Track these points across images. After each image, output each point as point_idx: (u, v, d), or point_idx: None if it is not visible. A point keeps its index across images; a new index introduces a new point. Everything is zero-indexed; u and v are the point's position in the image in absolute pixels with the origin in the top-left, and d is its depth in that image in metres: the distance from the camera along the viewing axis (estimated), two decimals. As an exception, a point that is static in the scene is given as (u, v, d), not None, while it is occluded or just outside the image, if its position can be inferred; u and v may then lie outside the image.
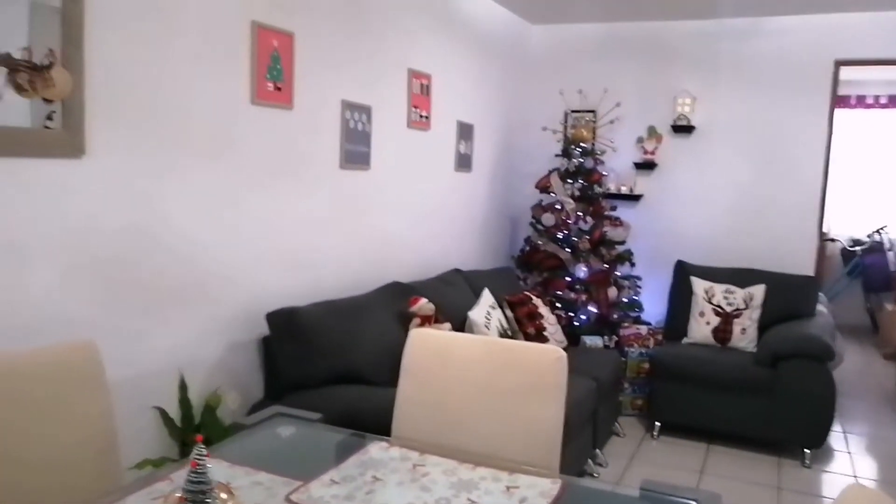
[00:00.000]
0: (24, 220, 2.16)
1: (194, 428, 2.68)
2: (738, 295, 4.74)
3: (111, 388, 1.86)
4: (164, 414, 2.63)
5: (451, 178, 4.76)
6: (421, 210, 4.38)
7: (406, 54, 4.08)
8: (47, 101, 2.16)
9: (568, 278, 5.02)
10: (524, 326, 4.15)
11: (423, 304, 3.37)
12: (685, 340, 4.80)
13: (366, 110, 3.72)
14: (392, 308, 3.40)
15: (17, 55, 2.08)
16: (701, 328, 4.73)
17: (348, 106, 3.58)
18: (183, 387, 2.68)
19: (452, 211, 4.81)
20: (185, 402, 2.68)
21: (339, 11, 3.47)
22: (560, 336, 4.40)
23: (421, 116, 4.27)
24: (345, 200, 3.63)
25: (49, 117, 2.19)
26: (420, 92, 4.23)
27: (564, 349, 4.30)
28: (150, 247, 2.57)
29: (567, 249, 5.06)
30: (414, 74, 4.15)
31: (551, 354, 2.00)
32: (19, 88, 2.08)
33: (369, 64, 3.74)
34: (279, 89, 3.10)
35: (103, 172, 2.37)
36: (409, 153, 4.19)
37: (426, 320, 3.35)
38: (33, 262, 2.19)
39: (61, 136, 2.21)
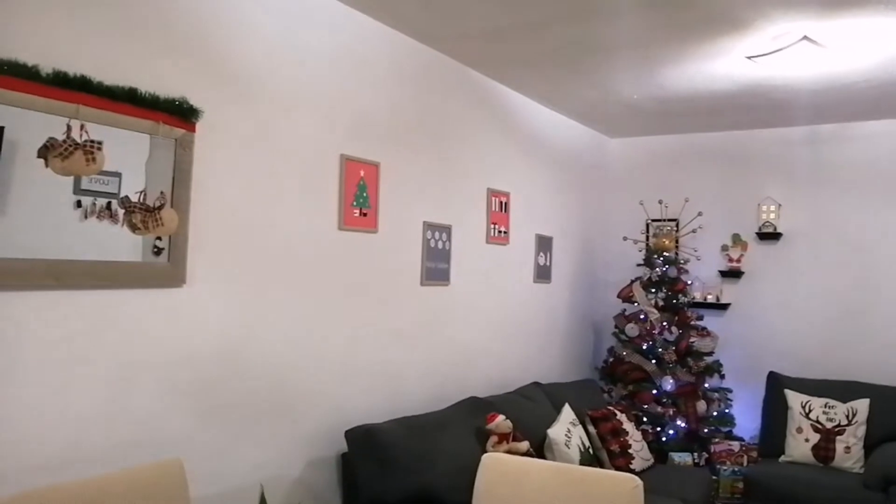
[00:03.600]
0: (131, 345, 2.36)
1: (275, 545, 2.73)
2: (840, 409, 4.48)
3: (197, 508, 1.95)
4: (246, 530, 2.70)
5: (531, 289, 4.82)
6: (500, 323, 4.44)
7: (485, 175, 4.27)
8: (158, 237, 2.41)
9: (654, 391, 4.89)
10: (608, 443, 4.04)
11: (501, 422, 3.37)
12: (783, 458, 4.53)
13: (446, 229, 3.89)
14: (470, 424, 3.41)
15: (134, 198, 2.35)
16: (800, 445, 4.47)
17: (429, 226, 3.75)
18: (263, 503, 2.76)
19: (532, 323, 4.84)
20: (266, 518, 2.75)
21: (421, 140, 3.71)
22: (646, 453, 4.25)
23: (500, 232, 4.40)
24: (425, 316, 3.75)
25: (157, 252, 2.43)
26: (499, 209, 4.39)
27: (650, 467, 4.19)
28: (240, 368, 2.74)
29: (652, 361, 4.96)
30: (493, 193, 4.32)
31: (627, 484, 1.98)
32: (133, 227, 2.33)
33: (449, 186, 3.94)
34: (365, 215, 3.31)
35: (201, 300, 2.58)
36: (488, 267, 4.31)
37: (503, 438, 3.34)
38: (137, 384, 2.38)
39: (166, 268, 2.45)
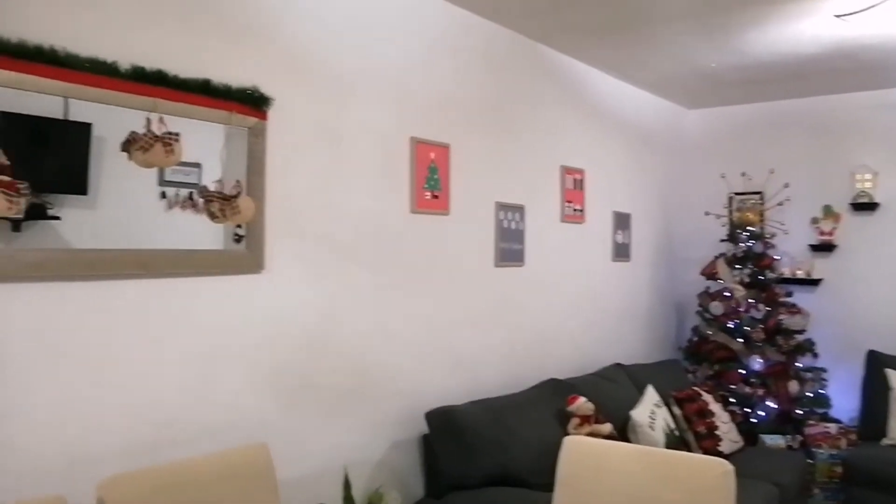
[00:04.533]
0: (215, 330, 2.42)
1: (359, 526, 2.76)
2: (947, 390, 4.18)
3: (280, 487, 1.99)
4: (331, 511, 2.74)
5: (609, 268, 4.70)
6: (578, 303, 4.35)
7: (558, 152, 4.17)
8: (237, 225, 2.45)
9: (742, 371, 4.70)
10: (694, 425, 3.91)
11: (582, 404, 3.30)
12: (885, 441, 4.28)
13: (519, 209, 3.82)
14: (550, 406, 3.36)
15: (212, 188, 2.39)
16: (904, 428, 4.21)
17: (502, 207, 3.70)
18: (347, 485, 2.80)
19: (611, 302, 4.72)
20: (348, 500, 2.78)
21: (491, 119, 3.65)
22: (734, 435, 4.09)
23: (575, 210, 4.31)
24: (500, 297, 3.70)
25: (237, 240, 2.48)
26: (573, 186, 4.29)
27: (740, 449, 4.03)
28: (320, 351, 2.77)
29: (739, 340, 4.76)
30: (566, 171, 4.22)
31: (717, 468, 1.89)
32: (212, 216, 2.38)
33: (521, 165, 3.87)
34: (436, 197, 3.29)
35: (278, 285, 2.62)
36: (564, 247, 4.22)
37: (585, 420, 3.28)
38: (221, 368, 2.44)
39: (245, 254, 2.49)
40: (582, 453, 2.05)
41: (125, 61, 2.14)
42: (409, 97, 3.18)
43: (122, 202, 2.19)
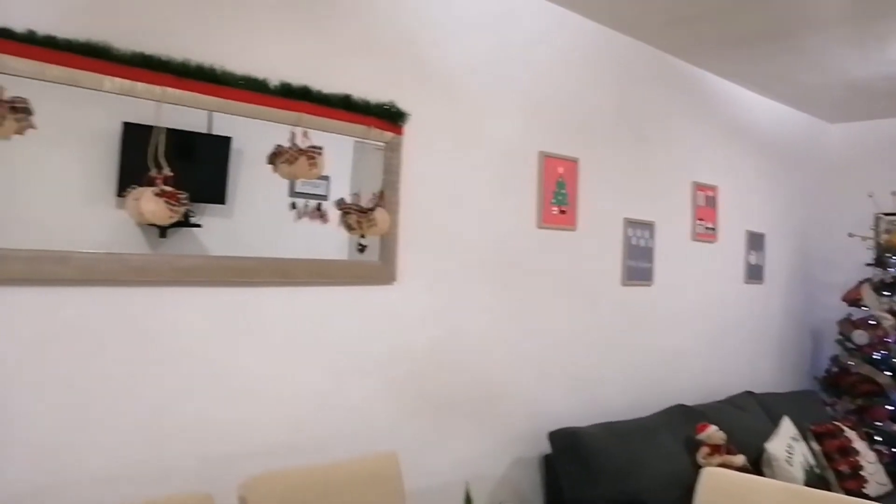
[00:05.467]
0: (348, 339, 2.48)
1: (479, 543, 2.73)
2: None
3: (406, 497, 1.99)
4: (452, 525, 2.74)
5: (741, 290, 4.46)
6: (707, 326, 4.15)
7: (689, 168, 4.01)
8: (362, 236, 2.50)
9: (889, 407, 4.32)
10: (835, 463, 3.62)
11: (713, 432, 3.13)
12: None
13: (648, 226, 3.70)
14: (677, 433, 3.21)
15: (348, 200, 2.46)
16: None
17: (630, 223, 3.59)
18: (468, 500, 2.78)
19: (742, 326, 4.47)
20: (471, 515, 2.77)
21: (621, 133, 3.56)
22: (882, 476, 3.75)
23: (706, 228, 4.12)
24: (627, 317, 3.59)
25: (361, 250, 2.52)
26: (705, 204, 4.10)
27: (888, 493, 3.68)
28: (445, 364, 2.78)
29: (887, 373, 4.38)
30: (698, 187, 4.05)
31: (877, 513, 1.72)
32: (349, 227, 2.45)
33: (651, 181, 3.74)
34: (563, 212, 3.24)
35: (409, 297, 2.66)
36: (694, 267, 4.04)
37: (715, 450, 3.11)
38: (352, 376, 2.49)
39: (379, 266, 2.55)
40: (723, 487, 1.94)
41: (274, 77, 2.24)
42: (539, 111, 3.15)
43: (255, 212, 2.28)
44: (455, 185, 2.83)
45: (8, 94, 1.70)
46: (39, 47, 1.77)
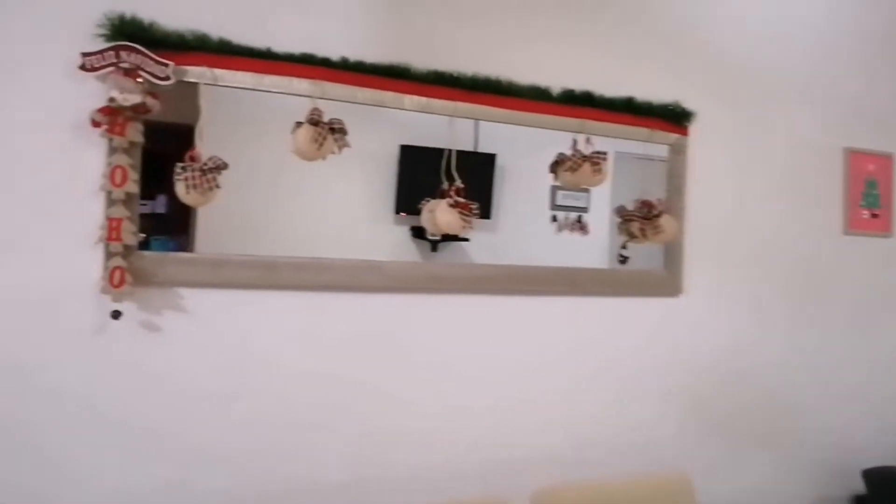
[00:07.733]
0: (631, 351, 2.37)
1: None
2: None
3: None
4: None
5: None
6: None
7: None
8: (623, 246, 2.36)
9: None
10: None
11: None
12: None
13: (984, 231, 3.08)
14: None
15: (630, 207, 2.35)
16: None
17: (962, 227, 3.02)
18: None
19: None
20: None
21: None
22: None
23: None
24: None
25: (622, 261, 2.37)
26: None
27: None
28: (733, 383, 2.55)
29: None
30: None
31: None
32: (630, 235, 2.34)
33: None
34: (875, 216, 2.81)
35: (696, 310, 2.47)
36: None
37: None
38: (635, 390, 2.37)
39: (665, 277, 2.40)
40: None
41: (556, 86, 2.22)
42: (840, 102, 2.78)
43: (518, 226, 2.28)
44: (742, 187, 2.59)
45: (326, 117, 1.86)
46: (352, 72, 1.93)
